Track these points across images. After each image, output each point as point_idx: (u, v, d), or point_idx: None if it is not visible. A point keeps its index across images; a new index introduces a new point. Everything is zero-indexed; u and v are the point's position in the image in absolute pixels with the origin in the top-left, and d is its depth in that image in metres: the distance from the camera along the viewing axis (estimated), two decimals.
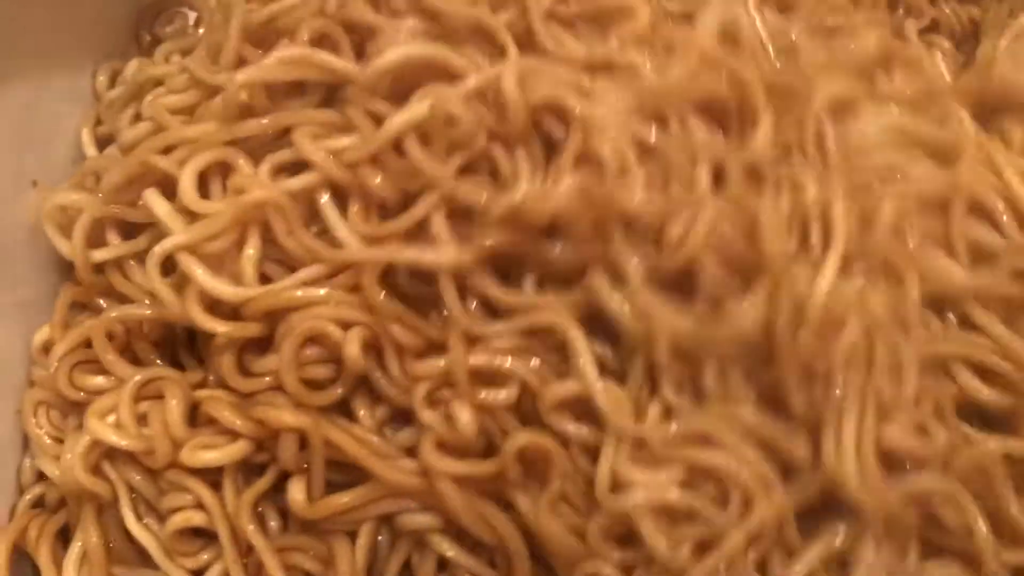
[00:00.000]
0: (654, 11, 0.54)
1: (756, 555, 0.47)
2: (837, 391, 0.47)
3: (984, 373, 0.50)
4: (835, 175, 0.50)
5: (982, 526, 0.48)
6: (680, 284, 0.49)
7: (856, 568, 0.47)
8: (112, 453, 0.50)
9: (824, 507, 0.48)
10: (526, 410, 0.51)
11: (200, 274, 0.50)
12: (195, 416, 0.52)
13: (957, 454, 0.48)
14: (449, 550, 0.51)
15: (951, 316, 0.51)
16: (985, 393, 0.50)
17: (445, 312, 0.51)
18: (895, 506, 0.47)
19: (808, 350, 0.47)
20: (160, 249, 0.50)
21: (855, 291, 0.48)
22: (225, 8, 0.56)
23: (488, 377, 0.50)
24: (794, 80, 0.53)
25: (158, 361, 0.54)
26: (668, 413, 0.50)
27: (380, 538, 0.52)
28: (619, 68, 0.52)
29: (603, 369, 0.50)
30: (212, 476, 0.51)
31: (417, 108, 0.50)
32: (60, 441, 0.52)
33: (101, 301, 0.54)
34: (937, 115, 0.56)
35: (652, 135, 0.51)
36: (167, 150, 0.53)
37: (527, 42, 0.53)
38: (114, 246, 0.54)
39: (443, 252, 0.50)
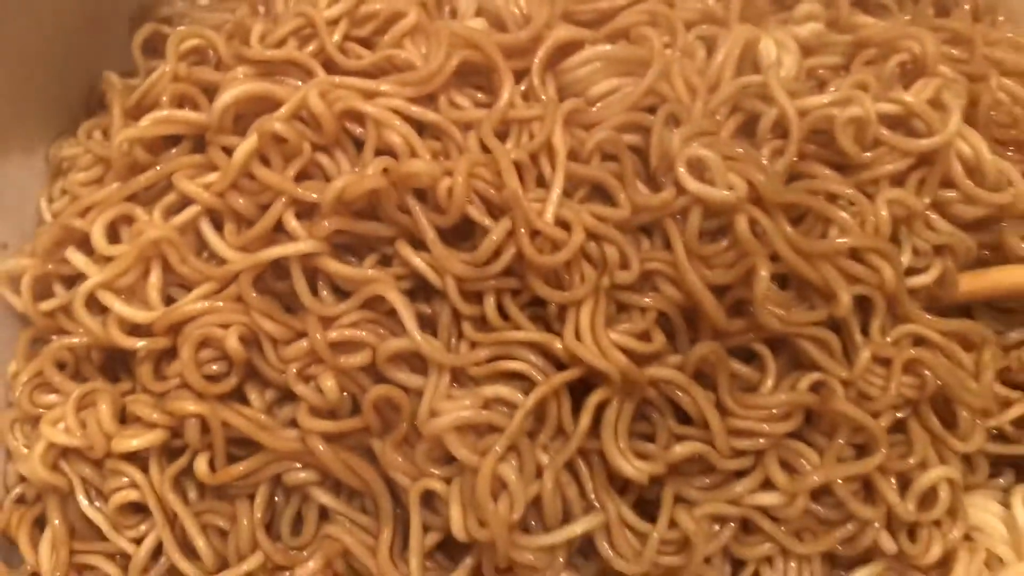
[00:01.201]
0: (422, 10, 0.70)
1: (544, 438, 0.62)
2: (574, 285, 0.63)
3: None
4: (554, 111, 0.66)
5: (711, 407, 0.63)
6: (466, 234, 0.64)
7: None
8: (65, 452, 0.66)
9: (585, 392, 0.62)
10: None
11: (116, 304, 0.66)
12: (126, 417, 0.66)
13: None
14: (324, 496, 0.64)
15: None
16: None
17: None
18: (628, 367, 0.61)
19: (545, 260, 0.61)
20: (82, 290, 0.66)
21: (575, 209, 0.63)
22: (110, 101, 0.73)
23: (345, 348, 0.64)
24: (522, 38, 0.69)
25: (100, 378, 0.69)
26: (473, 346, 0.63)
27: (277, 498, 0.66)
28: (400, 65, 0.68)
29: (424, 324, 0.63)
30: (142, 461, 0.66)
31: (250, 139, 0.64)
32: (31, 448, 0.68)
33: (54, 337, 0.70)
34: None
35: (429, 115, 0.66)
36: (84, 213, 0.69)
37: (330, 63, 0.68)
38: (58, 296, 0.70)
39: (299, 243, 0.64)
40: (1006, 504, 0.70)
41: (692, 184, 0.64)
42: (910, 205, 0.67)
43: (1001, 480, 0.73)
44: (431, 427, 0.61)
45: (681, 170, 0.64)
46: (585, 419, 0.61)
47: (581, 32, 0.71)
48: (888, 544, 0.65)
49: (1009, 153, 0.75)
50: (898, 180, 0.69)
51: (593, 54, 0.71)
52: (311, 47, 0.69)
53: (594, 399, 0.62)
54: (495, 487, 0.60)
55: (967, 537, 0.69)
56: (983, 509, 0.69)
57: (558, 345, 0.62)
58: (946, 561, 0.67)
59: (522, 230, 0.62)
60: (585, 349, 0.61)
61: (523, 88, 0.69)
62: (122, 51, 0.81)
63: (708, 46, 0.73)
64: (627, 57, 0.71)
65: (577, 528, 0.61)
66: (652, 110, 0.69)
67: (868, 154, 0.68)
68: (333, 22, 0.70)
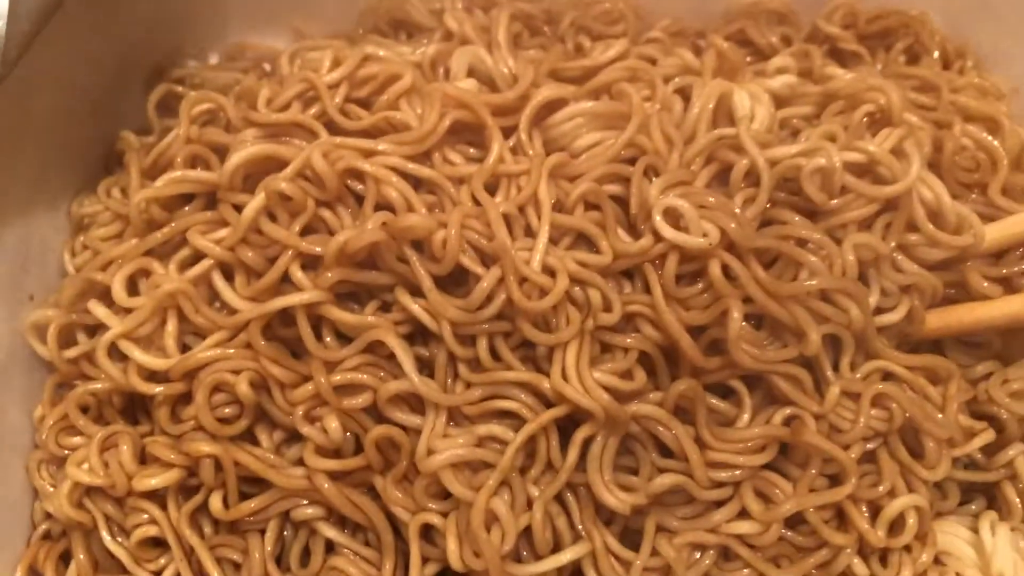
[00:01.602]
0: (417, 71, 0.77)
1: (534, 472, 0.67)
2: (560, 328, 0.68)
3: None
4: (539, 165, 0.72)
5: (690, 441, 0.67)
6: (460, 282, 0.69)
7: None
8: (89, 491, 0.71)
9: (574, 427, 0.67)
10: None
11: (135, 353, 0.71)
12: (145, 457, 0.72)
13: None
14: (330, 531, 0.69)
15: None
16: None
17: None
18: (611, 405, 0.66)
19: (533, 305, 0.66)
20: (104, 340, 0.71)
21: (560, 257, 0.69)
22: (127, 162, 0.79)
23: (348, 390, 0.69)
24: (509, 97, 0.75)
25: (121, 421, 0.74)
26: (468, 386, 0.68)
27: (286, 533, 0.71)
28: (397, 125, 0.73)
29: (422, 367, 0.69)
30: (160, 499, 0.71)
31: (258, 197, 0.70)
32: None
33: (78, 382, 0.75)
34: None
35: (424, 171, 0.72)
36: (104, 267, 0.74)
37: (332, 124, 0.74)
38: (81, 344, 0.75)
39: (304, 293, 0.69)
40: (976, 529, 0.75)
41: (668, 232, 0.69)
42: (876, 248, 0.72)
43: (973, 506, 0.78)
44: (428, 465, 0.66)
45: (658, 219, 0.69)
46: (572, 454, 0.66)
47: (565, 89, 0.77)
48: (861, 569, 0.70)
49: (973, 196, 0.80)
50: (865, 225, 0.74)
51: (576, 110, 0.76)
52: (314, 109, 0.75)
53: (580, 435, 0.67)
54: (488, 520, 0.65)
55: (938, 561, 0.73)
56: (953, 534, 0.74)
57: (546, 385, 0.67)
58: None
59: (511, 277, 0.67)
60: (571, 389, 0.66)
61: (512, 143, 0.75)
62: (138, 110, 0.87)
63: (685, 99, 0.79)
64: (608, 112, 0.77)
65: (564, 557, 0.66)
66: (632, 161, 0.74)
67: (836, 201, 0.73)
68: (334, 85, 0.76)
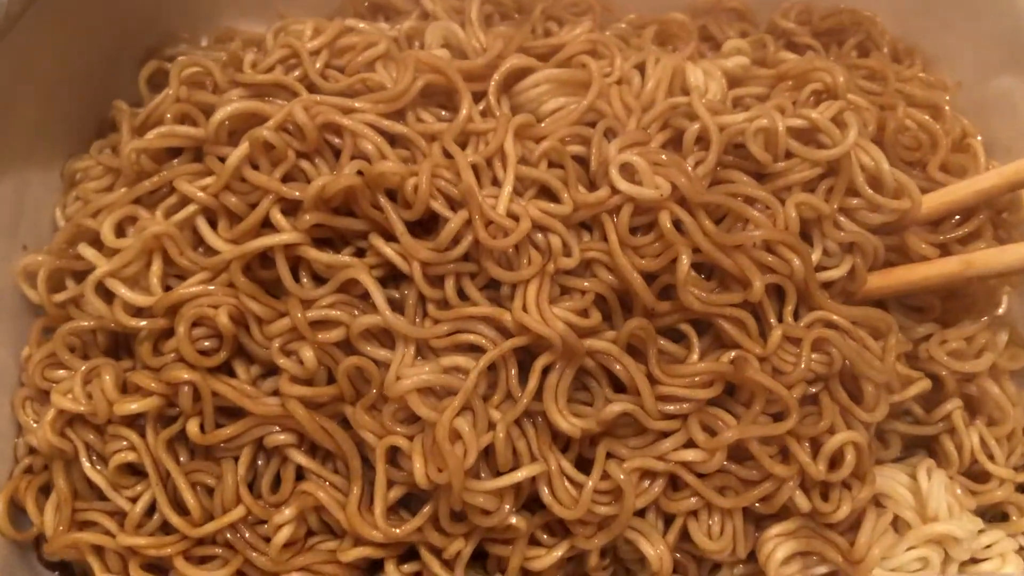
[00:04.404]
0: (391, 39, 0.85)
1: (496, 399, 0.74)
2: (522, 267, 0.75)
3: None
4: (506, 122, 0.80)
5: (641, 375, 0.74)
6: (431, 229, 0.76)
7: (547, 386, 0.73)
8: (72, 421, 0.77)
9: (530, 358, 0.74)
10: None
11: (122, 290, 0.78)
12: (127, 388, 0.78)
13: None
14: (300, 458, 0.76)
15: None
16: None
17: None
18: (567, 333, 0.72)
19: (497, 243, 0.74)
20: (93, 277, 0.78)
21: (524, 204, 0.76)
22: (119, 121, 0.87)
23: (323, 326, 0.75)
24: (479, 64, 0.83)
25: (104, 359, 0.80)
26: (436, 322, 0.75)
27: (259, 462, 0.77)
28: (372, 87, 0.81)
29: (394, 308, 0.75)
30: (139, 427, 0.77)
31: (242, 146, 0.77)
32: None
33: (64, 326, 0.82)
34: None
35: (398, 127, 0.79)
36: (95, 214, 0.81)
37: (312, 87, 0.82)
38: (69, 289, 0.82)
39: (284, 234, 0.76)
40: (915, 477, 0.81)
41: (623, 184, 0.77)
42: (818, 207, 0.80)
43: (914, 459, 0.84)
44: (397, 389, 0.72)
45: (614, 172, 0.77)
46: (533, 381, 0.73)
47: (532, 60, 0.86)
48: (802, 502, 0.76)
49: (914, 172, 0.89)
50: (809, 187, 0.82)
51: (542, 77, 0.85)
52: (296, 73, 0.83)
53: (540, 363, 0.73)
54: (452, 438, 0.71)
55: (878, 504, 0.80)
56: (892, 479, 0.81)
57: (507, 317, 0.74)
58: (857, 521, 0.78)
59: (477, 218, 0.74)
60: (530, 318, 0.73)
61: (481, 107, 0.83)
62: (130, 86, 0.95)
63: (641, 72, 0.87)
64: (571, 79, 0.85)
65: (520, 474, 0.72)
66: (593, 125, 0.82)
67: (781, 163, 0.81)
68: (315, 52, 0.84)
